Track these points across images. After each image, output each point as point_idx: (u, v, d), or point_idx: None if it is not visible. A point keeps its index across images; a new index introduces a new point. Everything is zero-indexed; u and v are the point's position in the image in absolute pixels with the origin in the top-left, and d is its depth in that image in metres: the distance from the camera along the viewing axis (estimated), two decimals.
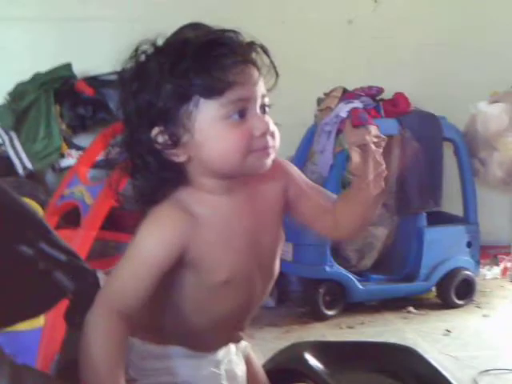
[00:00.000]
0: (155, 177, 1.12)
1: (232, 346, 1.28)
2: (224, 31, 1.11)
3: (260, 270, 1.21)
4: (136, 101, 1.10)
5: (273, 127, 1.13)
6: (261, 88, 1.12)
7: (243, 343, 1.32)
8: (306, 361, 1.32)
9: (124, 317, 1.07)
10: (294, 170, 1.28)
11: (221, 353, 1.25)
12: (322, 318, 3.32)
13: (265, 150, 1.11)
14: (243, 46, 1.11)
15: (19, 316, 1.23)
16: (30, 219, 1.23)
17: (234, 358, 1.27)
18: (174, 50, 1.09)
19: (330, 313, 3.35)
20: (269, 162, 1.13)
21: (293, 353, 1.37)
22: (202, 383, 1.22)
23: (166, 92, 1.08)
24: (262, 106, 1.13)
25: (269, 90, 1.15)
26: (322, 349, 1.36)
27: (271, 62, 1.14)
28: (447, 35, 4.03)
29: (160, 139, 1.10)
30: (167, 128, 1.09)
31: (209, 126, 1.09)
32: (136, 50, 1.12)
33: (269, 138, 1.12)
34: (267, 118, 1.13)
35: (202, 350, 1.22)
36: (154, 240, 1.10)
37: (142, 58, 1.12)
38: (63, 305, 1.35)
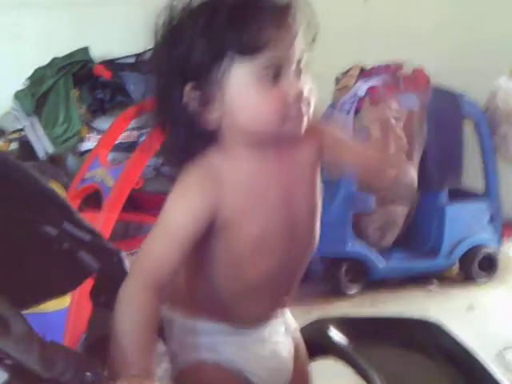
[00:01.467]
0: (186, 136, 1.10)
1: (280, 327, 1.25)
2: None
3: (296, 233, 1.17)
4: (169, 55, 1.08)
5: (307, 92, 1.09)
6: (298, 47, 1.08)
7: (292, 325, 1.30)
8: (329, 336, 1.32)
9: (157, 288, 1.05)
10: (330, 129, 1.25)
11: (266, 330, 1.23)
12: (344, 295, 3.34)
13: (298, 117, 1.08)
14: (281, 4, 1.07)
15: (46, 295, 1.24)
16: (54, 200, 1.24)
17: (281, 339, 1.25)
18: (209, 6, 1.07)
19: (352, 291, 3.37)
20: (302, 128, 1.10)
21: (316, 328, 1.37)
22: (245, 363, 1.20)
23: (201, 47, 1.05)
24: (298, 65, 1.09)
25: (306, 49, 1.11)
26: (346, 324, 1.36)
27: (311, 16, 1.10)
28: (466, 10, 3.99)
29: (192, 95, 1.07)
30: (200, 84, 1.07)
31: (241, 86, 1.06)
32: (169, 6, 1.08)
33: (302, 103, 1.08)
34: (303, 80, 1.10)
35: (244, 326, 1.20)
36: (182, 209, 1.09)
37: (175, 13, 1.09)
38: (88, 284, 1.37)
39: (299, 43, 1.08)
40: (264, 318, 1.22)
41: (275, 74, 1.06)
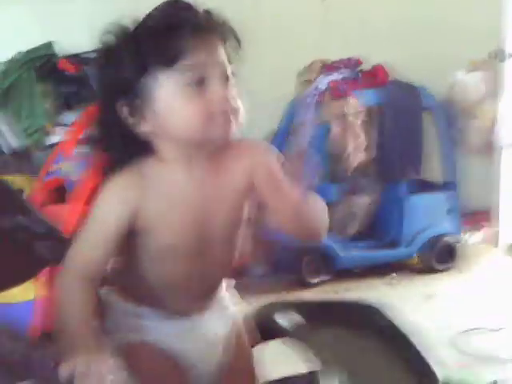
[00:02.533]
0: (122, 149, 1.18)
1: (213, 313, 1.32)
2: (180, 6, 1.15)
3: (213, 244, 1.24)
4: (101, 76, 1.18)
5: (232, 99, 1.16)
6: (220, 56, 1.16)
7: (231, 310, 1.36)
8: (275, 320, 1.39)
9: (88, 278, 1.14)
10: (270, 154, 1.26)
11: (197, 317, 1.30)
12: (308, 285, 3.41)
13: (223, 123, 1.15)
14: (198, 15, 1.15)
15: (3, 284, 1.29)
16: (7, 194, 1.28)
17: (213, 322, 1.32)
18: (134, 26, 1.16)
19: (315, 280, 3.44)
20: (228, 134, 1.16)
21: (264, 311, 1.43)
22: (175, 345, 1.27)
23: (126, 64, 1.13)
24: (222, 76, 1.15)
25: (234, 60, 1.19)
26: (292, 308, 1.43)
27: (230, 28, 1.18)
28: (424, 7, 4.05)
29: (124, 111, 1.15)
30: (130, 100, 1.15)
31: (167, 96, 1.14)
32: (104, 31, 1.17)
33: (227, 110, 1.14)
34: (228, 89, 1.16)
35: (174, 314, 1.27)
36: (105, 210, 1.17)
37: (108, 37, 1.17)
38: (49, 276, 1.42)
39: (220, 54, 1.16)
40: (193, 310, 1.30)
41: (198, 82, 1.13)
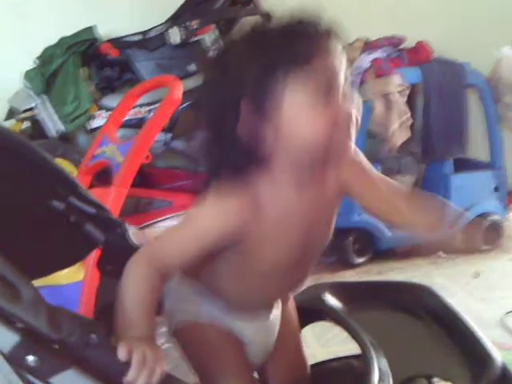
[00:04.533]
0: (236, 156, 1.10)
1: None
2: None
3: (312, 252, 1.23)
4: (223, 77, 1.09)
5: (355, 114, 1.09)
6: (344, 65, 1.09)
7: None
8: (324, 300, 1.38)
9: (160, 273, 1.11)
10: (362, 158, 1.23)
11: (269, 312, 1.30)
12: (352, 265, 3.41)
13: (346, 139, 1.09)
14: (323, 27, 1.09)
15: (55, 265, 1.32)
16: (60, 176, 1.30)
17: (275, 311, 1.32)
18: (257, 33, 1.10)
19: (359, 260, 3.43)
20: (348, 151, 1.11)
21: (312, 293, 1.43)
22: (240, 330, 1.27)
23: (254, 65, 1.06)
24: (345, 86, 1.09)
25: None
26: (340, 289, 1.43)
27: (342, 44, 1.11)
28: None
29: (248, 110, 1.07)
30: (255, 101, 1.06)
31: (296, 103, 1.06)
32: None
33: (351, 126, 1.08)
34: (352, 101, 1.09)
35: (248, 314, 1.27)
36: (213, 220, 1.11)
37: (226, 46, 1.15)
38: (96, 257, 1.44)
39: (343, 62, 1.09)
40: (266, 310, 1.29)
41: (327, 88, 1.06)
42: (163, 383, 0.98)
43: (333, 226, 1.25)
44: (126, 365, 0.96)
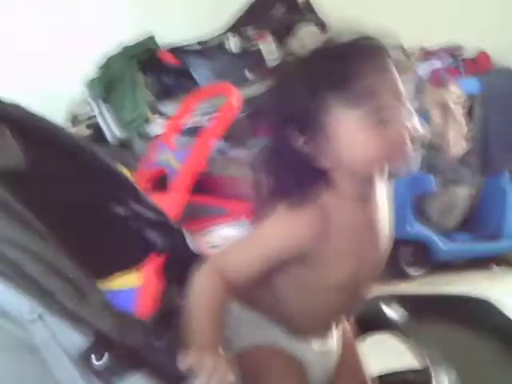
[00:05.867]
0: (299, 174, 1.10)
1: None
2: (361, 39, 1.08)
3: (368, 272, 1.21)
4: (281, 109, 1.09)
5: (415, 131, 1.06)
6: (397, 80, 1.06)
7: None
8: (384, 312, 1.37)
9: (228, 286, 1.10)
10: None
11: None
12: (406, 277, 3.36)
13: (403, 158, 1.07)
14: (378, 48, 1.08)
15: (116, 268, 1.34)
16: (122, 181, 1.32)
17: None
18: (314, 58, 1.09)
19: (413, 273, 3.39)
20: (410, 164, 1.09)
21: (372, 305, 1.42)
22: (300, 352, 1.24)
23: (297, 88, 1.07)
24: (405, 107, 1.05)
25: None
26: (400, 301, 1.41)
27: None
28: None
29: (305, 147, 1.08)
30: (312, 135, 1.07)
31: (345, 128, 1.06)
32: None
33: (410, 144, 1.06)
34: (410, 119, 1.06)
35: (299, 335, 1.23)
36: (284, 235, 1.10)
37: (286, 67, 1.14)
38: (157, 263, 1.45)
39: (396, 78, 1.07)
40: (326, 331, 1.26)
41: (381, 120, 1.04)
42: None
43: (392, 239, 1.22)
44: (194, 373, 0.96)
